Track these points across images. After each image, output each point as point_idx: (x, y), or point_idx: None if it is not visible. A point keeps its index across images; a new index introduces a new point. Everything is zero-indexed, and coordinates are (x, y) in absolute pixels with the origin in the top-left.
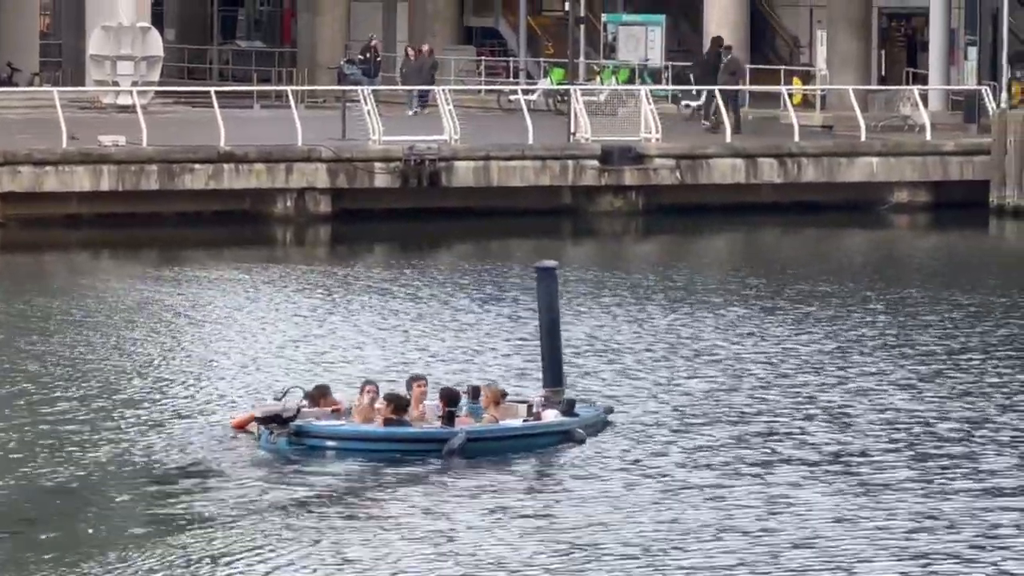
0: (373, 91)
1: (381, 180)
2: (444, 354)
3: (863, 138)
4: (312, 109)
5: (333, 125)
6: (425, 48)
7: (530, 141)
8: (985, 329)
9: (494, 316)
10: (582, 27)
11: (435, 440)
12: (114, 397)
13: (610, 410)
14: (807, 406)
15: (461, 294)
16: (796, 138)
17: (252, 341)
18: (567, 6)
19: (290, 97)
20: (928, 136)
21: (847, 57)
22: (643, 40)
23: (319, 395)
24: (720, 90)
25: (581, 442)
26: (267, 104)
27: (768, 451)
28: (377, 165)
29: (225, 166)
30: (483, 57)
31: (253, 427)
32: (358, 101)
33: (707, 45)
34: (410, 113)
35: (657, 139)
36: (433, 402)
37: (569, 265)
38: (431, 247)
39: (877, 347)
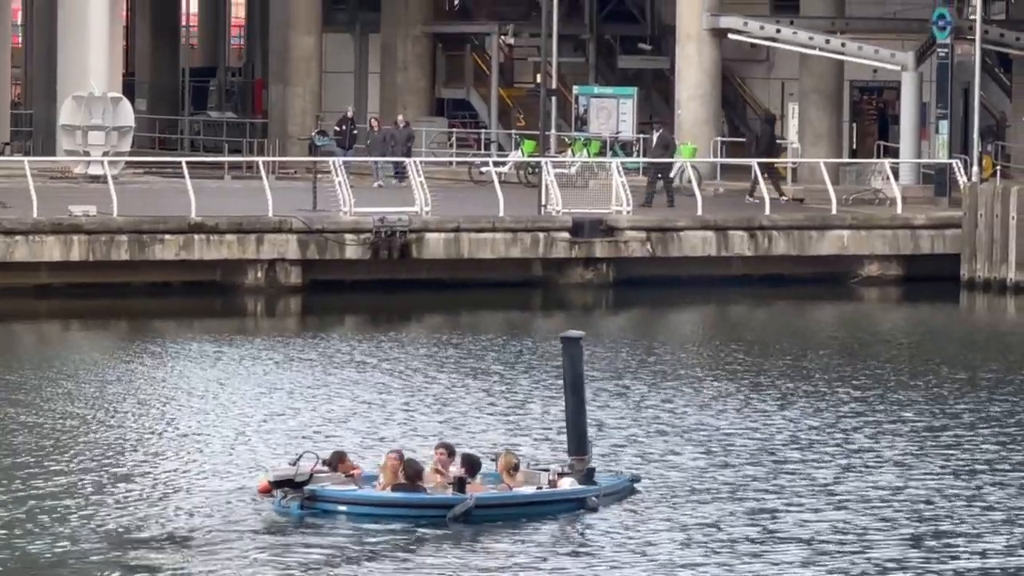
0: (346, 162)
1: (352, 251)
2: (425, 426)
3: (834, 211)
4: (283, 180)
5: (304, 196)
6: (401, 119)
7: (501, 213)
8: (968, 405)
9: (480, 386)
10: (553, 99)
11: (444, 506)
12: (106, 470)
13: (636, 479)
14: (802, 482)
15: (444, 366)
16: (767, 211)
17: (236, 414)
18: (538, 78)
19: (261, 168)
20: (899, 209)
21: (819, 130)
22: (614, 112)
23: (337, 460)
24: (658, 166)
25: (594, 510)
26: (238, 175)
27: (762, 528)
28: (348, 236)
29: (196, 236)
30: (455, 129)
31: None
32: (329, 172)
33: (756, 121)
34: (375, 185)
35: (628, 212)
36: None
37: (541, 338)
38: (402, 319)
39: (869, 423)
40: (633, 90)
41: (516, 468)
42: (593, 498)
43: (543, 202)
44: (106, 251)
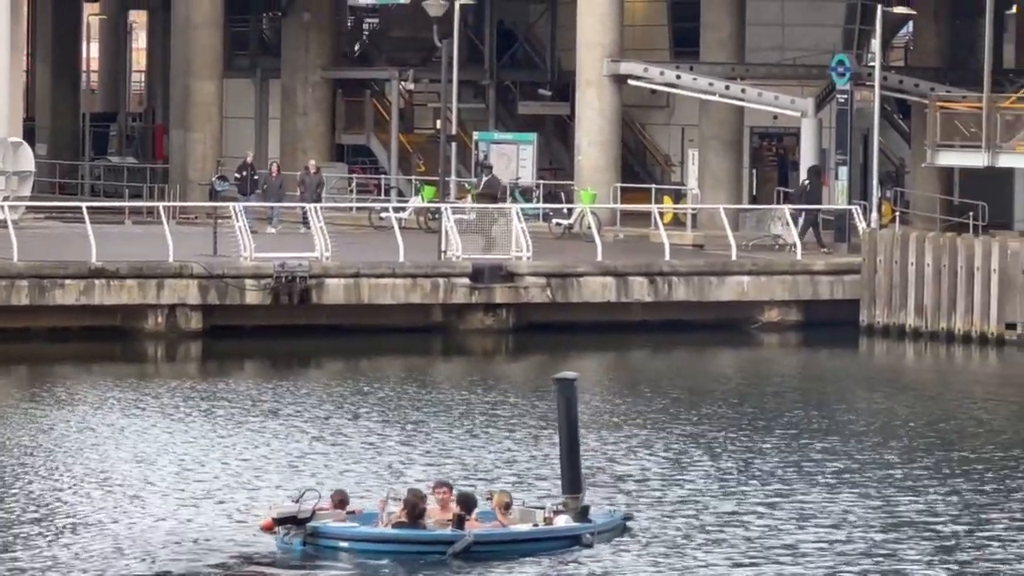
0: (247, 208)
1: (252, 297)
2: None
3: (734, 257)
4: (184, 225)
5: (205, 241)
6: (312, 165)
7: (401, 259)
8: (874, 449)
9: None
10: (453, 145)
11: (444, 542)
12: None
13: (629, 517)
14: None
15: (348, 411)
16: (667, 256)
17: (147, 464)
18: (438, 124)
19: (161, 213)
20: (798, 255)
21: (718, 176)
22: (514, 158)
23: (339, 499)
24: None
25: (589, 546)
26: (139, 220)
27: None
28: (248, 282)
29: (96, 281)
30: (355, 175)
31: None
32: (230, 217)
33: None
34: (271, 230)
35: (528, 257)
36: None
37: (438, 385)
38: (302, 365)
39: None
40: (533, 136)
41: (508, 506)
42: (588, 535)
43: (443, 248)
44: (6, 296)
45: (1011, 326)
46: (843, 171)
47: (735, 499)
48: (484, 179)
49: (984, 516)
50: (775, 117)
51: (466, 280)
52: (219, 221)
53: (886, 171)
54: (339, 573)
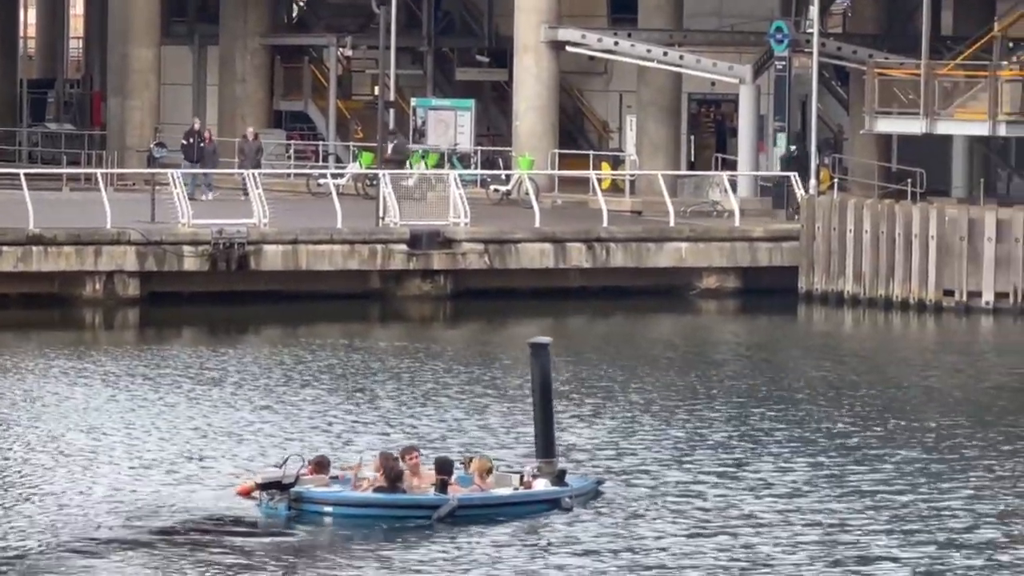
0: (189, 174)
1: (190, 263)
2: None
3: (672, 223)
4: (121, 192)
5: (143, 208)
6: (251, 132)
7: (339, 225)
8: (822, 417)
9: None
10: (391, 111)
11: (428, 507)
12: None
13: (601, 481)
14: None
15: (286, 378)
16: (605, 223)
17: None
18: (376, 90)
19: (99, 180)
20: (737, 222)
21: (656, 142)
22: (452, 125)
23: (320, 464)
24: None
25: (568, 510)
26: (76, 187)
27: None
28: (186, 248)
29: (34, 248)
30: (292, 141)
31: (256, 494)
32: (167, 184)
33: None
34: (205, 197)
35: (466, 224)
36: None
37: (379, 352)
38: (240, 331)
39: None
40: (471, 102)
41: (490, 471)
42: (567, 499)
43: (381, 214)
44: None
45: (949, 293)
46: (781, 138)
47: (689, 469)
48: (392, 144)
49: (937, 484)
50: (713, 84)
51: (404, 246)
52: (157, 188)
53: (824, 138)
54: (325, 538)
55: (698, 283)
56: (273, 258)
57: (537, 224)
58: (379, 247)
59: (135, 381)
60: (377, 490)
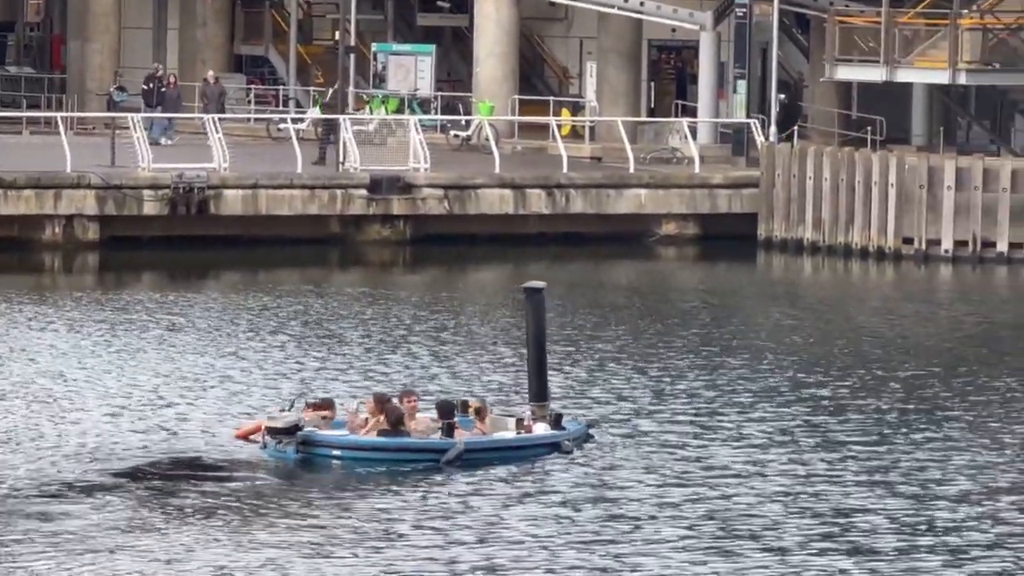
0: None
1: (150, 207)
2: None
3: (631, 170)
4: (81, 136)
5: (103, 152)
6: (211, 75)
7: (299, 170)
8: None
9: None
10: (352, 56)
11: (436, 450)
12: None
13: (592, 425)
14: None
15: (251, 323)
16: (565, 169)
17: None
18: (337, 35)
19: (59, 123)
20: (696, 169)
21: (616, 88)
22: (413, 70)
23: (323, 406)
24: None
25: (568, 453)
26: (36, 130)
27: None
28: (146, 192)
29: None
30: (253, 86)
31: (257, 436)
32: (128, 128)
33: None
34: (167, 142)
35: (426, 169)
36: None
37: (338, 296)
38: (199, 276)
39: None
40: (431, 48)
41: (481, 412)
42: (567, 442)
43: (341, 159)
44: None
45: (908, 241)
46: (741, 85)
47: (660, 419)
48: (331, 90)
49: (910, 435)
50: (673, 30)
51: (364, 191)
52: (117, 132)
53: (784, 83)
54: (336, 479)
55: (657, 230)
56: (233, 203)
57: (497, 170)
58: (339, 192)
59: (100, 327)
60: (381, 433)
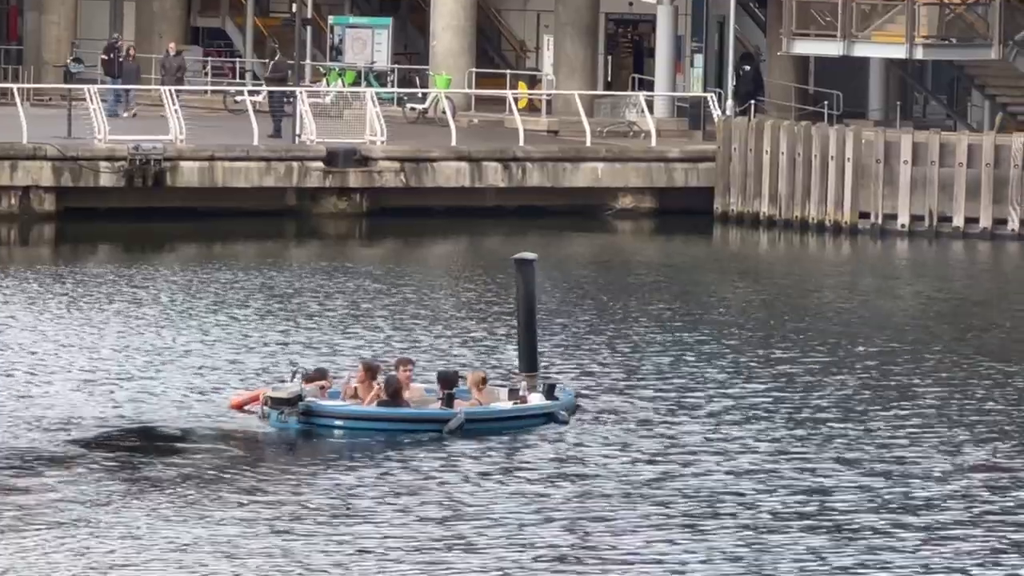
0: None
1: (106, 179)
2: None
3: (588, 143)
4: (38, 107)
5: (59, 124)
6: (172, 47)
7: (255, 142)
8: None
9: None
10: (309, 29)
11: (438, 420)
12: None
13: (579, 394)
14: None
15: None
16: (521, 142)
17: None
18: (294, 7)
19: (15, 95)
20: (653, 142)
21: (573, 62)
22: (369, 43)
23: (317, 376)
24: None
25: (564, 423)
26: None
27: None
28: (102, 164)
29: None
30: (209, 58)
31: (253, 407)
32: (84, 100)
33: None
34: (126, 114)
35: (382, 142)
36: (420, 384)
37: (298, 269)
38: (156, 249)
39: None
40: (388, 20)
41: (484, 382)
42: (562, 412)
43: (297, 132)
44: None
45: (864, 215)
46: (698, 58)
47: (629, 395)
48: (272, 63)
49: (880, 412)
50: (631, 3)
51: (320, 164)
52: (74, 104)
53: (743, 55)
54: (338, 445)
55: (614, 203)
56: (189, 175)
57: (453, 143)
58: (295, 164)
59: (60, 300)
60: (381, 404)
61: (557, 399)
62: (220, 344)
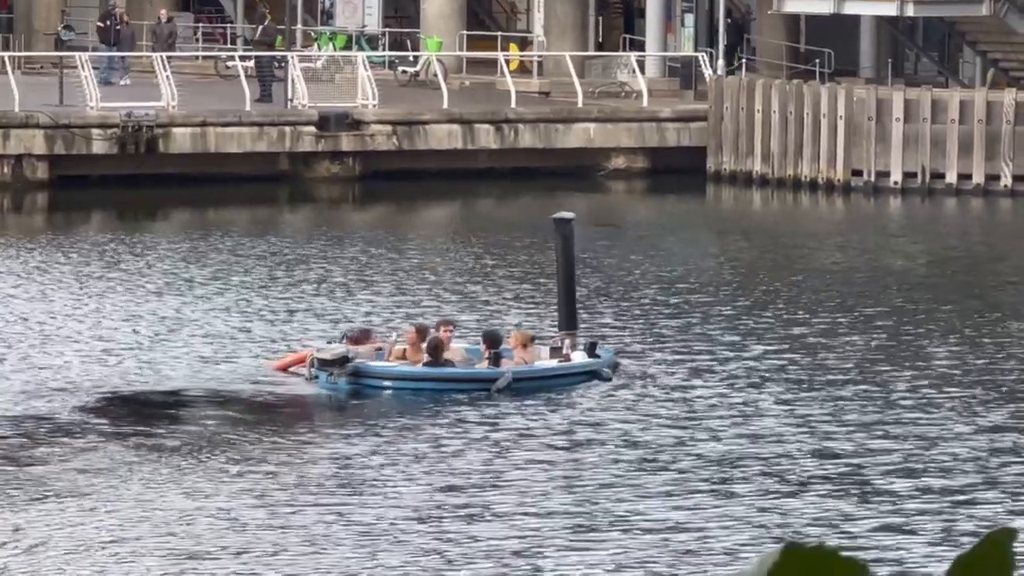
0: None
1: (99, 146)
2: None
3: (580, 104)
4: (29, 75)
5: (51, 92)
6: (163, 14)
7: (247, 107)
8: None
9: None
10: None
11: (485, 380)
12: None
13: (618, 352)
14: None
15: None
16: (513, 104)
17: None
18: None
19: (7, 63)
20: (645, 103)
21: (564, 23)
22: (360, 7)
23: (363, 337)
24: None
25: (608, 380)
26: None
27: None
28: (95, 131)
29: None
30: (200, 23)
31: (299, 368)
32: (76, 67)
33: None
34: (122, 82)
35: (374, 105)
36: (459, 344)
37: (284, 234)
38: (149, 216)
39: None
40: None
41: (532, 341)
42: (606, 369)
43: (289, 96)
44: None
45: (857, 173)
46: (689, 18)
47: (645, 360)
48: (260, 27)
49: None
50: None
51: (312, 128)
52: (65, 71)
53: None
54: (387, 408)
55: (606, 164)
56: (181, 141)
57: (445, 105)
58: (287, 129)
59: (64, 270)
60: (426, 365)
61: (599, 356)
62: (228, 315)
